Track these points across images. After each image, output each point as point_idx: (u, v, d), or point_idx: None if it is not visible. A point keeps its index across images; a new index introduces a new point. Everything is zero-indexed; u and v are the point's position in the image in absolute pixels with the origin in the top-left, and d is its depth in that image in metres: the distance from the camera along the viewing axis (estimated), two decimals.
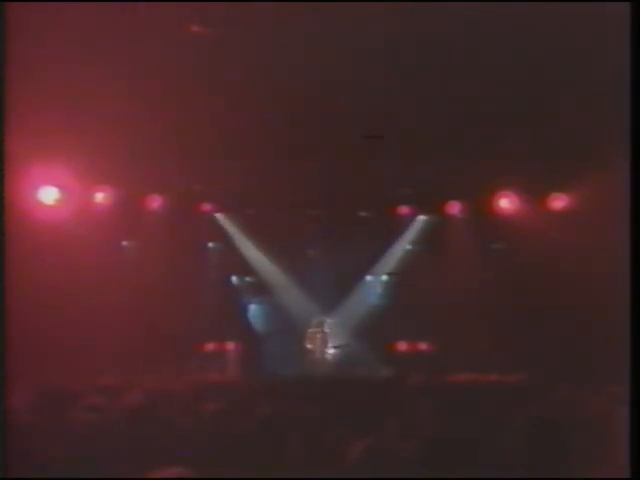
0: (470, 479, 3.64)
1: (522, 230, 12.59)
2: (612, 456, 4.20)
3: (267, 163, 11.27)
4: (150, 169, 11.52)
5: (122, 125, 9.34)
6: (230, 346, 13.99)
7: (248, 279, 14.63)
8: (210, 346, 13.79)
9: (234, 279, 14.60)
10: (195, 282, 13.51)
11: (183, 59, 8.23)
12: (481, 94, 9.00)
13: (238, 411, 5.20)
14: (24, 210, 10.17)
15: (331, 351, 14.03)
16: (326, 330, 14.04)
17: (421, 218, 14.24)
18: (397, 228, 14.31)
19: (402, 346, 14.01)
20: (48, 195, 11.66)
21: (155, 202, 13.07)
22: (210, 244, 14.37)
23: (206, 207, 13.78)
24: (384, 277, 14.66)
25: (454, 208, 13.51)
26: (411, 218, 14.24)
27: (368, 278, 14.60)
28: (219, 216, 14.19)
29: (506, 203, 12.98)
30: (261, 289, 14.54)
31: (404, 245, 14.46)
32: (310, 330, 14.04)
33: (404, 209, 13.97)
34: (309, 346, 14.00)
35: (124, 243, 13.59)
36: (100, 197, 12.47)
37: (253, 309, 14.61)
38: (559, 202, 12.57)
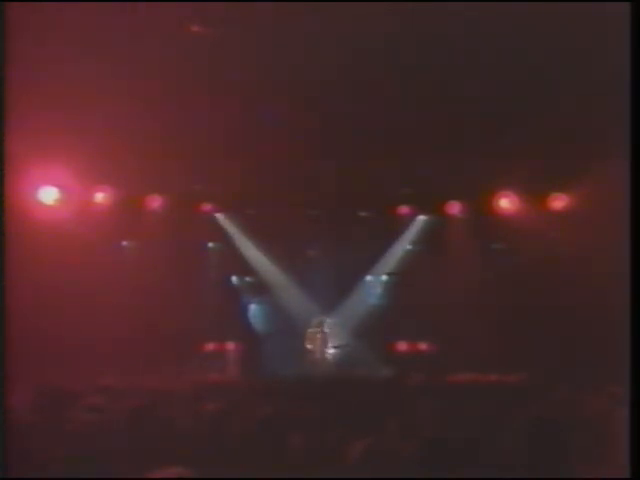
0: (470, 479, 3.65)
1: (522, 230, 12.57)
2: (612, 456, 4.21)
3: (267, 163, 11.28)
4: (150, 169, 11.53)
5: (122, 125, 9.35)
6: (230, 346, 13.96)
7: (248, 279, 14.60)
8: (210, 346, 13.75)
9: (234, 279, 14.58)
10: (195, 282, 13.48)
11: (183, 59, 8.24)
12: (481, 94, 9.00)
13: (238, 411, 5.19)
14: (24, 210, 10.18)
15: (331, 351, 13.99)
16: (326, 330, 14.01)
17: (421, 218, 14.21)
18: (397, 228, 14.27)
19: (402, 346, 13.98)
20: (48, 195, 11.68)
21: (155, 202, 13.06)
22: (210, 244, 14.34)
23: (206, 207, 13.75)
24: (384, 277, 14.63)
25: (454, 208, 13.50)
26: (411, 218, 14.20)
27: (368, 278, 14.57)
28: (219, 216, 14.16)
29: (506, 203, 12.97)
30: (261, 289, 14.52)
31: (404, 245, 14.43)
32: (310, 330, 14.00)
33: (404, 209, 13.95)
34: (309, 346, 13.97)
35: (124, 243, 13.58)
36: (100, 197, 12.49)
37: (253, 309, 14.58)
38: (559, 202, 12.57)
